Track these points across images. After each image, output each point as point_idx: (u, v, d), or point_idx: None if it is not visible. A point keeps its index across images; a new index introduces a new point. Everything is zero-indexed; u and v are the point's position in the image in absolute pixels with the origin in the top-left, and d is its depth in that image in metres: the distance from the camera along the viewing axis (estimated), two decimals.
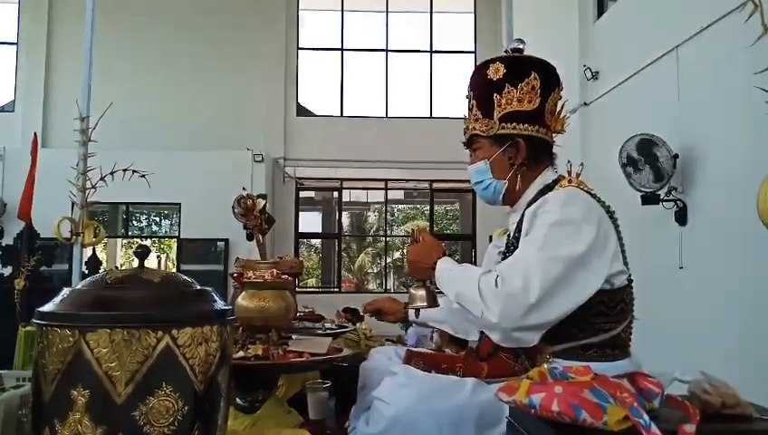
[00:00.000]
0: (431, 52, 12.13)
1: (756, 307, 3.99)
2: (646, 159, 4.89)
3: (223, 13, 11.36)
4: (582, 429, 1.03)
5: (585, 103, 6.69)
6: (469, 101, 1.68)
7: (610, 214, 1.51)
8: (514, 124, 1.58)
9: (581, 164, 1.60)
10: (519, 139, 1.58)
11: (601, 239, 1.40)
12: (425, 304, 1.61)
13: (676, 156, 4.84)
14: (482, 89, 1.64)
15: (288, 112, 11.54)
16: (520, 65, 1.61)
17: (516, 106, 1.58)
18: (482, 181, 1.65)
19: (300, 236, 11.98)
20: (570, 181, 1.53)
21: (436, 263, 1.56)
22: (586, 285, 1.38)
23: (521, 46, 1.67)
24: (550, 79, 1.63)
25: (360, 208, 14.27)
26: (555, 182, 1.56)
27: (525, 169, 1.61)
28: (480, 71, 1.66)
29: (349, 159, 11.13)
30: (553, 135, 1.66)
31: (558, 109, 1.66)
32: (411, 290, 1.63)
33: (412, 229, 1.75)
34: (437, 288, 1.58)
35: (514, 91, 1.58)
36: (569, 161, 1.62)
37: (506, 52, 1.69)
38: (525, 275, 1.35)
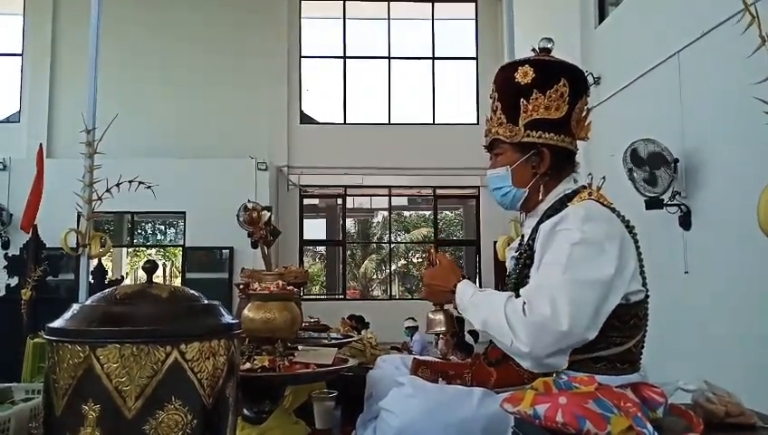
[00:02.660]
0: (433, 58, 12.20)
1: (761, 312, 3.98)
2: (650, 163, 4.91)
3: (225, 22, 11.44)
4: None
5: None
6: (493, 103, 1.60)
7: (630, 229, 1.46)
8: (540, 133, 1.51)
9: (603, 178, 1.56)
10: (544, 148, 1.52)
11: (623, 259, 1.37)
12: (444, 328, 1.60)
13: (676, 160, 4.85)
14: (508, 92, 1.55)
15: (291, 120, 11.60)
16: (550, 70, 1.53)
17: (543, 114, 1.51)
18: (501, 188, 1.59)
19: (304, 243, 12.02)
20: (590, 194, 1.48)
21: (455, 286, 1.53)
22: (610, 307, 1.35)
23: (549, 46, 1.59)
24: (578, 85, 1.55)
25: (364, 215, 14.28)
26: (575, 193, 1.51)
27: (548, 178, 1.55)
28: (507, 72, 1.57)
29: (352, 166, 11.17)
30: (577, 142, 1.59)
31: (583, 115, 1.59)
32: (429, 315, 1.60)
33: (428, 251, 1.71)
34: (456, 311, 1.55)
35: (542, 97, 1.51)
36: (590, 174, 1.57)
37: (534, 51, 1.60)
38: (552, 301, 1.31)
